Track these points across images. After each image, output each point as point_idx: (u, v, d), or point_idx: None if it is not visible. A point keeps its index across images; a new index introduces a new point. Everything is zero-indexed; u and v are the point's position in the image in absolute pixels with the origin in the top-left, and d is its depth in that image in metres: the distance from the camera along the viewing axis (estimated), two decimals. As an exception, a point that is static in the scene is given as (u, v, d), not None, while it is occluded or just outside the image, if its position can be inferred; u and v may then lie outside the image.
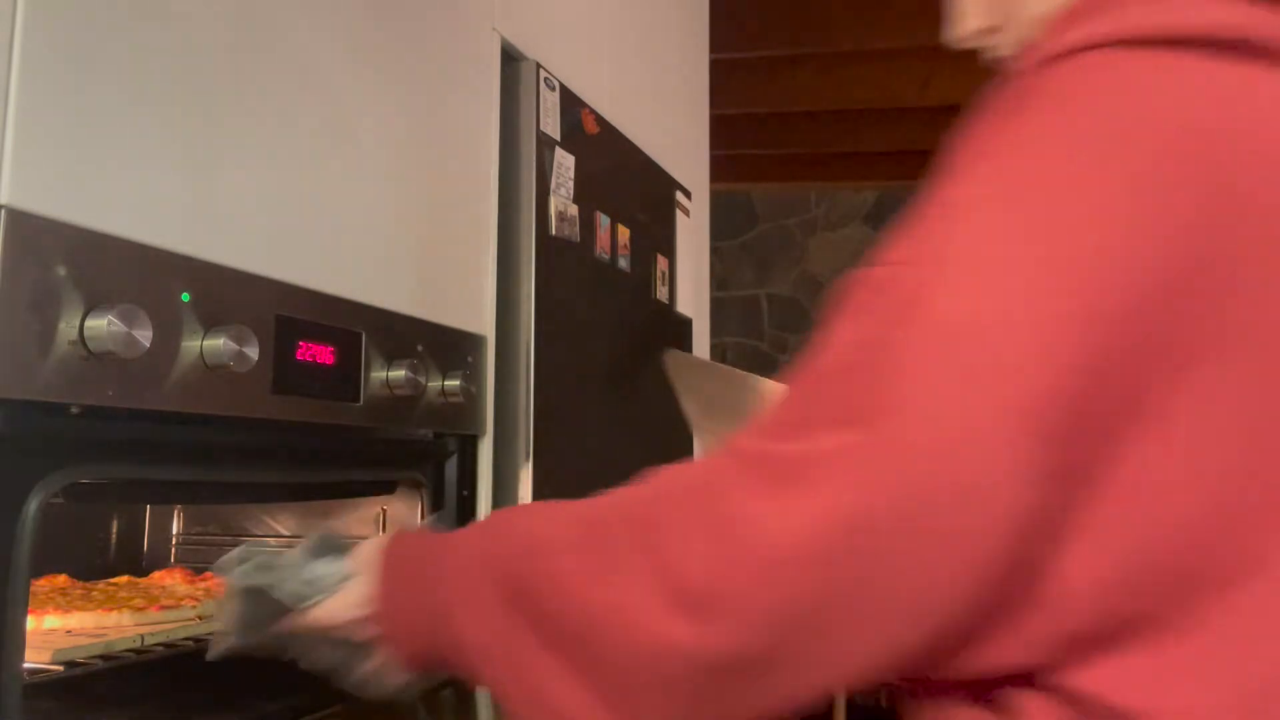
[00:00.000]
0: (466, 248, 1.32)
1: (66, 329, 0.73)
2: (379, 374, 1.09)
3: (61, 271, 0.73)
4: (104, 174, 0.79)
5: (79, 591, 1.21)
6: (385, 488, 1.24)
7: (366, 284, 1.09)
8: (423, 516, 1.24)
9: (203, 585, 1.25)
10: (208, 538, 1.44)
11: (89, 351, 0.74)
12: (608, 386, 1.65)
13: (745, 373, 1.48)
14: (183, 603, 1.12)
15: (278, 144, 0.98)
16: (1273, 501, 0.49)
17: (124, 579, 1.30)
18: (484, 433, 1.32)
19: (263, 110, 0.96)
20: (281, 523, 1.39)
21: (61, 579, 1.29)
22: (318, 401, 1.00)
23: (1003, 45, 0.71)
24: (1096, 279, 0.48)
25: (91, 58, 0.79)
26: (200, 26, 0.89)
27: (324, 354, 1.01)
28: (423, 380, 1.13)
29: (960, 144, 0.56)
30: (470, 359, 1.27)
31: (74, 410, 0.76)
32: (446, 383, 1.19)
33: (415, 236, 1.20)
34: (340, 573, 0.72)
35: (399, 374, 1.10)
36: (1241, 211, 0.50)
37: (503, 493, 1.35)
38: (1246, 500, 0.49)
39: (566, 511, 0.59)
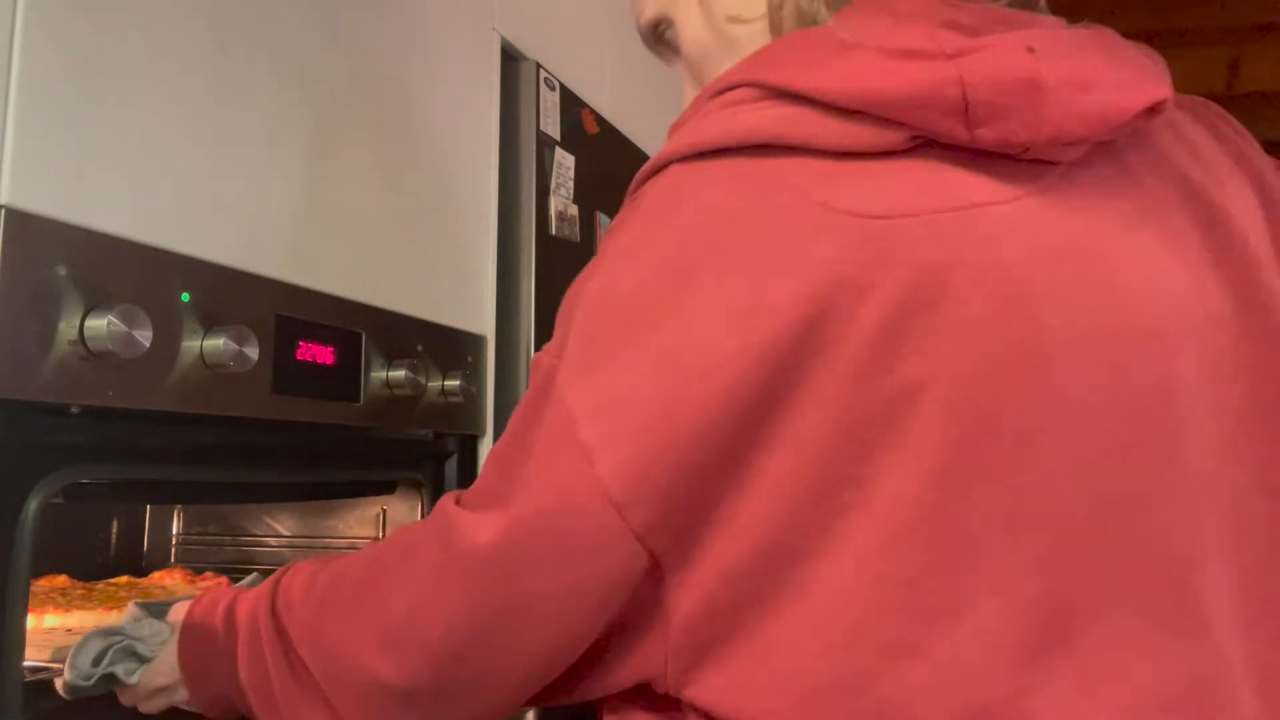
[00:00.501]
0: (466, 248, 1.32)
1: (66, 329, 0.73)
2: (379, 374, 1.09)
3: (61, 271, 0.73)
4: (104, 174, 0.79)
5: (79, 591, 1.21)
6: (385, 488, 1.25)
7: (366, 284, 1.09)
8: (422, 516, 1.24)
9: (202, 585, 1.25)
10: (208, 538, 1.44)
11: (89, 351, 0.74)
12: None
13: None
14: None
15: (278, 144, 0.98)
16: (813, 548, 0.56)
17: (124, 579, 1.30)
18: (484, 433, 1.32)
19: (263, 110, 0.96)
20: (281, 523, 1.40)
21: (61, 579, 1.29)
22: (318, 401, 1.00)
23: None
24: (650, 370, 0.57)
25: (91, 58, 0.79)
26: (199, 26, 0.89)
27: (324, 354, 1.01)
28: (423, 380, 1.13)
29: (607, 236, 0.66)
30: (470, 359, 1.27)
31: (74, 410, 0.76)
32: (446, 383, 1.19)
33: (415, 237, 1.20)
34: (160, 635, 0.81)
35: (399, 374, 1.10)
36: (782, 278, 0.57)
37: (503, 493, 1.35)
38: (796, 537, 0.56)
39: (325, 571, 0.71)
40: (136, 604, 0.86)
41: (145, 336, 0.76)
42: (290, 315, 0.96)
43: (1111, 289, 0.57)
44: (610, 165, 1.67)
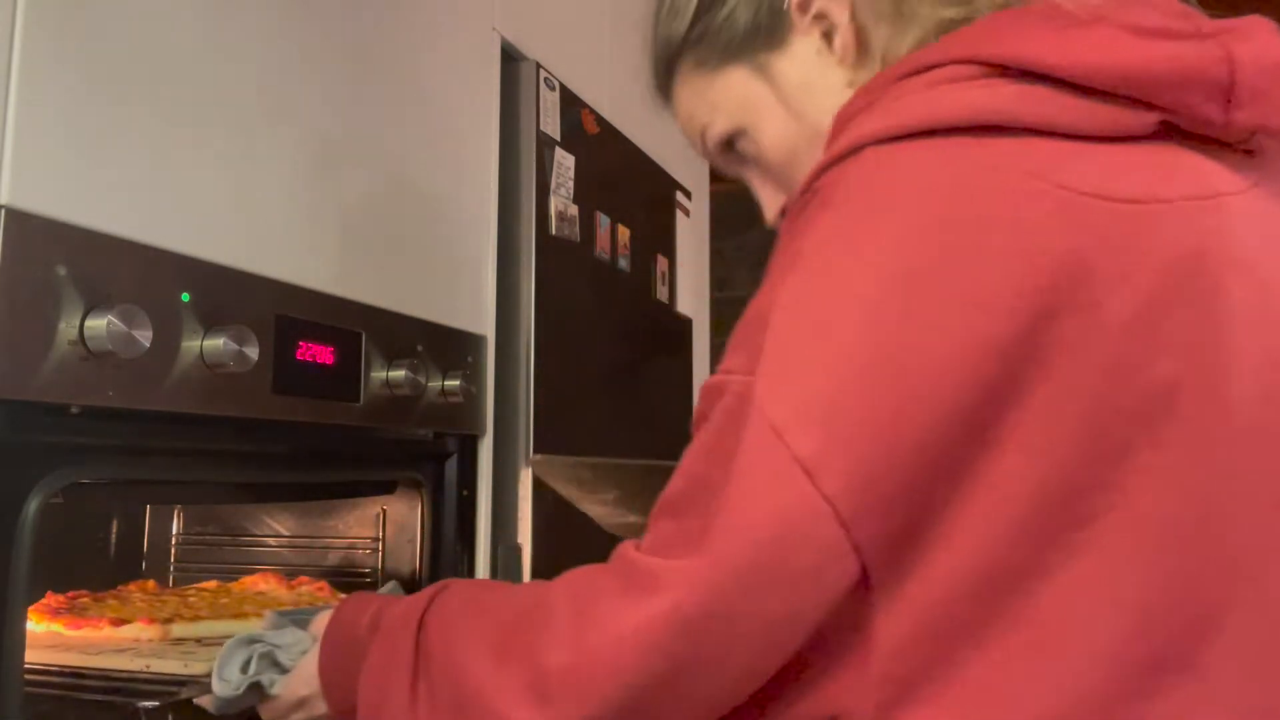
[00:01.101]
0: (466, 248, 1.32)
1: (66, 329, 0.73)
2: (379, 374, 1.09)
3: (61, 271, 0.73)
4: (104, 174, 0.79)
5: (174, 598, 1.18)
6: (385, 488, 1.24)
7: (366, 284, 1.09)
8: (423, 516, 1.24)
9: (303, 590, 1.22)
10: (208, 537, 1.44)
11: (89, 351, 0.74)
12: (608, 386, 1.65)
13: (600, 460, 1.50)
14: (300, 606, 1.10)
15: (278, 144, 0.98)
16: (1045, 561, 0.52)
17: (212, 584, 1.28)
18: (484, 433, 1.32)
19: (262, 110, 0.96)
20: (281, 523, 1.39)
21: (150, 584, 1.27)
22: (318, 401, 1.00)
23: None
24: (870, 374, 0.52)
25: (91, 58, 0.79)
26: (199, 27, 0.89)
27: (324, 354, 1.01)
28: (423, 380, 1.13)
29: (775, 252, 0.60)
30: (470, 359, 1.27)
31: (74, 410, 0.76)
32: (446, 383, 1.19)
33: (415, 236, 1.20)
34: (301, 645, 0.79)
35: (399, 374, 1.10)
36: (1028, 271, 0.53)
37: (502, 492, 1.35)
38: (1026, 550, 0.52)
39: (486, 596, 0.66)
40: (276, 613, 0.84)
41: (145, 336, 0.76)
42: (290, 315, 0.96)
43: None
44: (610, 165, 1.67)
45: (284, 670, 0.78)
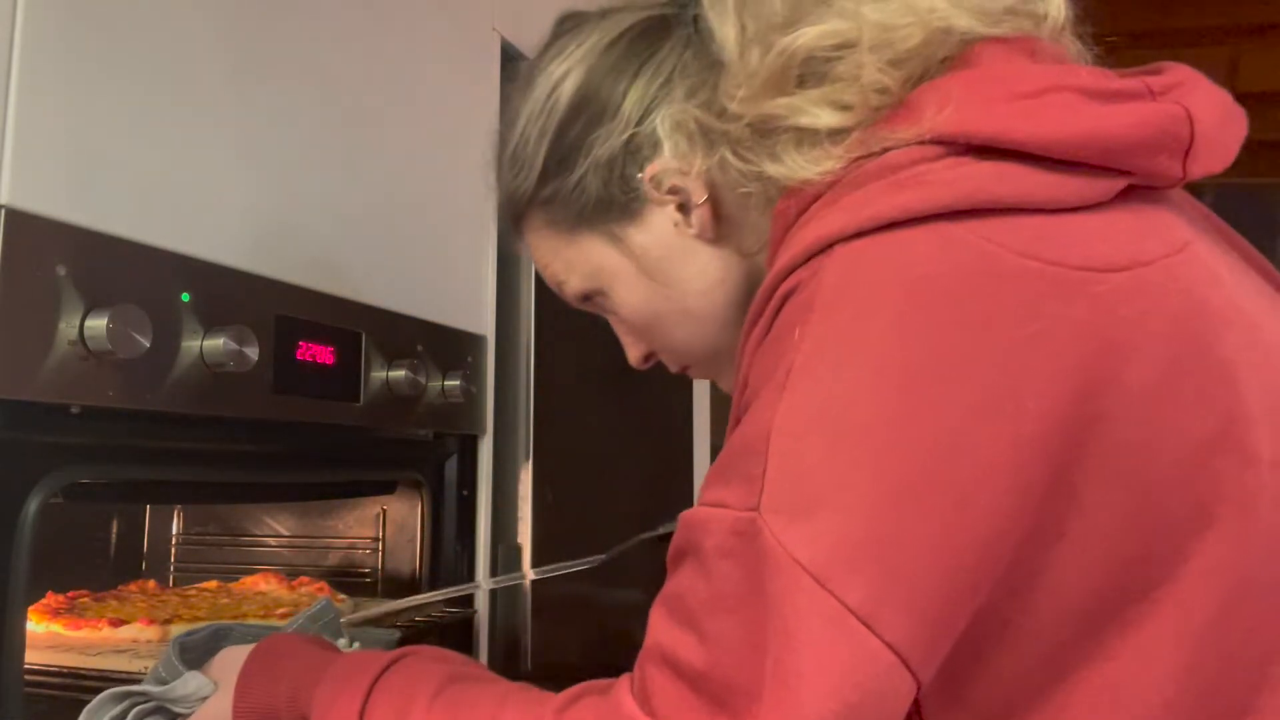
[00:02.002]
0: (466, 248, 1.32)
1: (66, 329, 0.73)
2: (379, 374, 1.09)
3: (61, 271, 0.73)
4: (104, 174, 0.79)
5: (175, 598, 1.18)
6: (385, 488, 1.24)
7: (366, 284, 1.09)
8: (423, 516, 1.24)
9: (304, 590, 1.22)
10: (208, 538, 1.44)
11: (89, 351, 0.74)
12: (608, 386, 1.65)
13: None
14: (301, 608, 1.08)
15: (278, 144, 0.98)
16: (1101, 646, 0.51)
17: (213, 584, 1.27)
18: (484, 433, 1.32)
19: (263, 110, 0.96)
20: (281, 523, 1.40)
21: (150, 584, 1.27)
22: (318, 401, 1.00)
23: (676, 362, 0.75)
24: (907, 498, 0.48)
25: (91, 58, 0.79)
26: (200, 27, 0.89)
27: (324, 354, 1.01)
28: (423, 380, 1.13)
29: (751, 370, 0.55)
30: (470, 359, 1.27)
31: (74, 410, 0.76)
32: (446, 383, 1.19)
33: (415, 236, 1.20)
34: (201, 692, 0.69)
35: (399, 374, 1.10)
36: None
37: (502, 493, 1.35)
38: (1082, 636, 0.51)
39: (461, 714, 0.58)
40: (179, 640, 0.74)
41: (145, 336, 0.76)
42: (290, 315, 0.96)
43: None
44: (610, 165, 1.67)
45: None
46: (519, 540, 1.35)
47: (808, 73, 0.57)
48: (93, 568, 1.36)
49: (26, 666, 0.77)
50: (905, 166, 0.53)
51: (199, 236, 0.87)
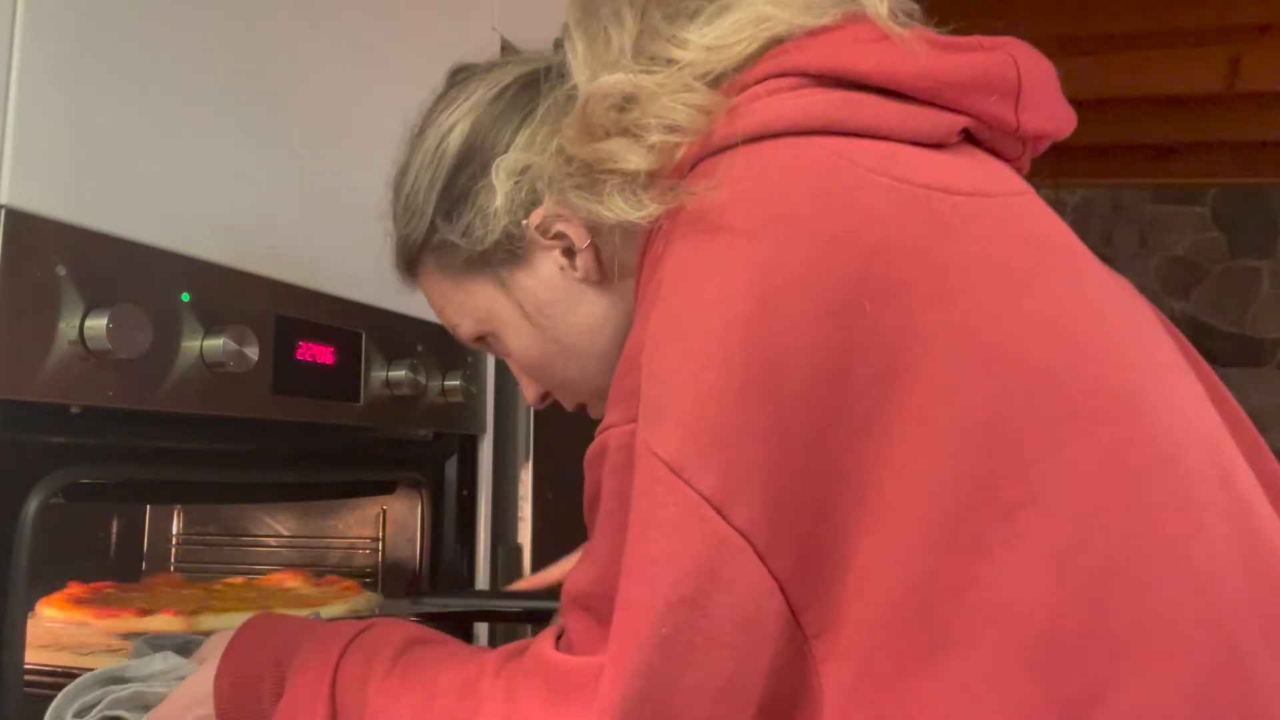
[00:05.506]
0: (466, 248, 1.31)
1: (66, 329, 0.73)
2: (379, 374, 1.09)
3: (61, 271, 0.73)
4: (104, 174, 0.79)
5: (200, 592, 1.16)
6: (385, 488, 1.24)
7: (366, 284, 1.09)
8: (423, 516, 1.24)
9: (332, 589, 1.20)
10: (208, 537, 1.44)
11: (89, 351, 0.74)
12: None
13: None
14: (332, 601, 1.07)
15: (278, 144, 0.98)
16: (966, 574, 0.50)
17: (240, 580, 1.26)
18: (484, 433, 1.32)
19: (263, 111, 0.96)
20: (281, 523, 1.40)
21: (176, 577, 1.25)
22: (318, 401, 1.00)
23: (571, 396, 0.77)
24: (749, 390, 0.50)
25: (91, 58, 0.79)
26: (200, 27, 0.89)
27: (324, 354, 1.01)
28: (423, 380, 1.13)
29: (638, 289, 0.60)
30: (470, 359, 1.27)
31: (74, 410, 0.76)
32: (446, 383, 1.19)
33: (415, 236, 1.20)
34: (178, 671, 0.71)
35: (399, 374, 1.10)
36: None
37: (503, 493, 1.35)
38: (950, 560, 0.50)
39: (412, 675, 0.60)
40: (144, 640, 0.76)
41: (145, 336, 0.76)
42: (290, 315, 0.96)
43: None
44: (610, 165, 1.67)
45: (149, 707, 0.69)
46: (519, 540, 1.35)
47: (623, 117, 0.60)
48: (93, 567, 1.36)
49: (27, 666, 0.77)
50: (762, 96, 0.57)
51: (199, 236, 0.87)
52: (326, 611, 1.03)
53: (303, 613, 1.04)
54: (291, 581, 1.23)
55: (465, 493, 1.28)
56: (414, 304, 1.19)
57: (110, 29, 0.80)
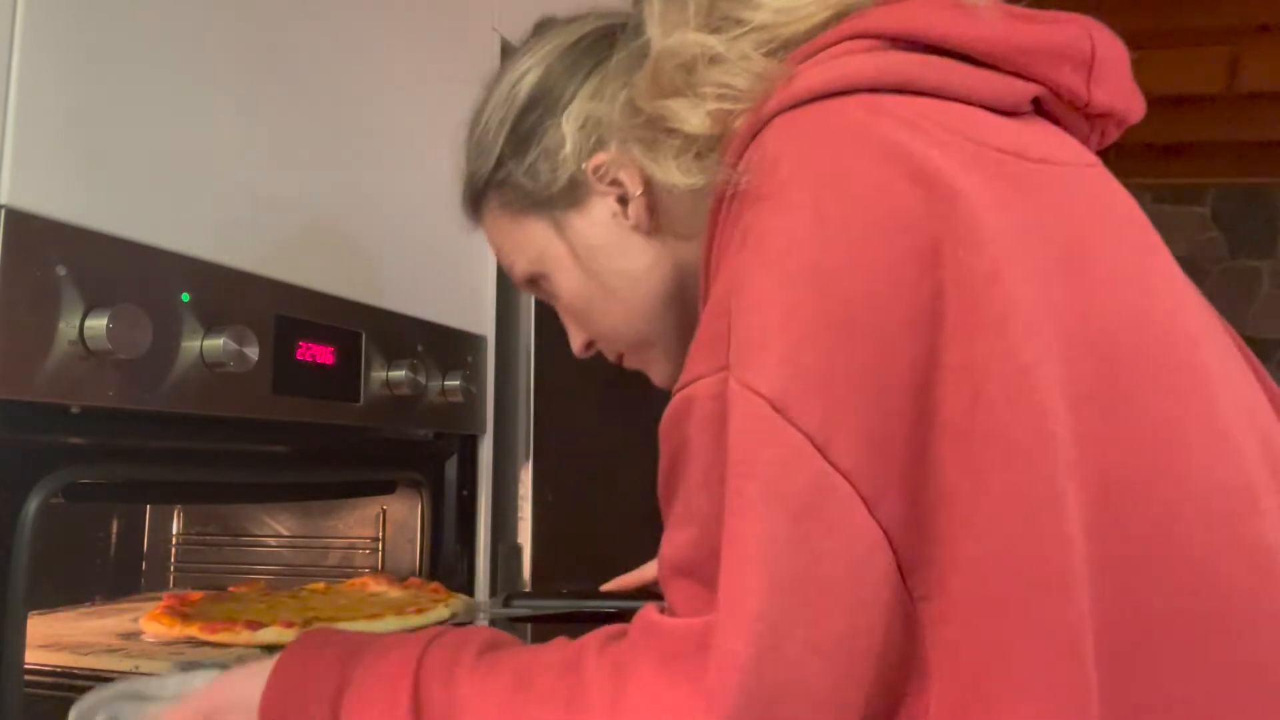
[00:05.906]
0: (467, 248, 1.31)
1: (66, 329, 0.73)
2: (379, 374, 1.09)
3: (61, 271, 0.73)
4: (104, 174, 0.79)
5: (289, 600, 1.11)
6: (385, 488, 1.24)
7: (366, 284, 1.09)
8: (423, 516, 1.24)
9: (423, 592, 1.15)
10: (208, 538, 1.44)
11: (89, 351, 0.74)
12: (608, 386, 1.65)
13: None
14: (435, 605, 1.03)
15: (277, 144, 0.98)
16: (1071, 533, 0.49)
17: (320, 585, 1.20)
18: (484, 432, 1.32)
19: (262, 110, 0.96)
20: (281, 523, 1.40)
21: (260, 585, 1.20)
22: (318, 401, 1.00)
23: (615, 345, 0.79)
24: (845, 328, 0.50)
25: (92, 57, 0.79)
26: (200, 27, 0.89)
27: (324, 354, 1.01)
28: (423, 380, 1.13)
29: (716, 240, 0.59)
30: (470, 359, 1.27)
31: (74, 410, 0.76)
32: (446, 383, 1.19)
33: (415, 236, 1.20)
34: (194, 680, 0.68)
35: (399, 374, 1.10)
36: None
37: (503, 492, 1.35)
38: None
39: (504, 661, 0.58)
40: (179, 665, 0.73)
41: (145, 336, 0.76)
42: (290, 315, 0.96)
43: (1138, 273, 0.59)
44: (610, 165, 1.67)
45: None
46: (519, 540, 1.35)
47: (690, 78, 0.62)
48: (93, 568, 1.36)
49: (27, 666, 0.77)
50: (840, 55, 0.57)
51: (199, 236, 0.87)
52: (428, 617, 0.99)
53: (445, 611, 1.02)
54: (375, 585, 1.17)
55: (465, 493, 1.29)
56: (414, 304, 1.19)
57: (110, 29, 0.80)
